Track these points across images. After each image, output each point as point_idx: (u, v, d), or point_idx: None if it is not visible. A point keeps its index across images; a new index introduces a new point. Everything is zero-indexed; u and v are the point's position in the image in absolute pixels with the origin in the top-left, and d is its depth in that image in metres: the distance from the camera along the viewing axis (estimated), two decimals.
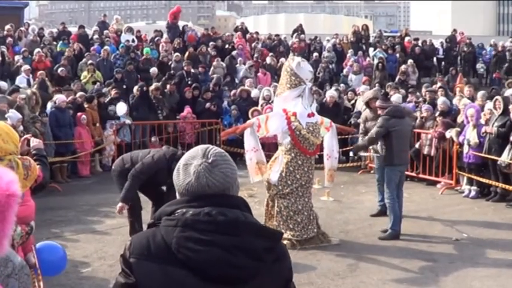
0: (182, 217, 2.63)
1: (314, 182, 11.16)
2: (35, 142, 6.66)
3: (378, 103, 11.47)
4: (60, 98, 16.59)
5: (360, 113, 16.53)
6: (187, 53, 25.17)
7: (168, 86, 20.74)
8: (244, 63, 25.56)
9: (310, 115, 10.51)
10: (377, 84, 21.98)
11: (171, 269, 2.58)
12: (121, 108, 18.26)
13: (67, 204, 13.69)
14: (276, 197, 10.49)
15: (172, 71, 22.98)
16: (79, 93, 17.93)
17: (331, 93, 18.51)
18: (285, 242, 10.17)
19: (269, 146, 18.20)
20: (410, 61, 26.85)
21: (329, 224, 11.62)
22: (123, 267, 2.72)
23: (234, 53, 26.17)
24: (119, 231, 11.20)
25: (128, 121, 18.45)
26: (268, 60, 26.14)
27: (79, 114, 17.01)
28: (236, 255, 2.57)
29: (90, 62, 22.31)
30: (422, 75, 28.28)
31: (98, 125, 17.71)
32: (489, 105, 14.71)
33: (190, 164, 2.74)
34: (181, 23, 30.57)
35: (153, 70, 22.81)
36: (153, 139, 18.95)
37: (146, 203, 10.70)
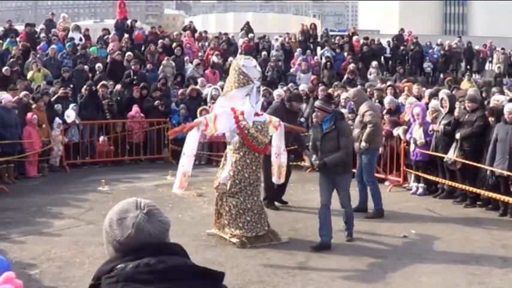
0: (122, 272, 2.57)
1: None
2: None
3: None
4: (6, 97, 16.26)
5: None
6: (131, 52, 24.74)
7: (119, 86, 20.65)
8: (192, 62, 25.44)
9: (258, 114, 10.56)
10: (320, 84, 22.02)
11: None
12: (70, 114, 17.98)
13: (14, 205, 13.47)
14: (225, 196, 10.49)
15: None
16: (23, 93, 17.56)
17: (278, 92, 18.45)
18: (234, 240, 10.22)
19: (218, 146, 18.18)
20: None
21: (278, 223, 11.64)
22: None
23: (176, 50, 25.94)
24: (67, 232, 11.05)
25: (77, 121, 18.22)
26: (214, 59, 26.00)
27: (30, 114, 16.70)
28: None
29: (35, 61, 21.95)
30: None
31: (43, 126, 17.27)
32: (433, 103, 14.88)
33: (125, 218, 2.68)
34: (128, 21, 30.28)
35: (98, 66, 22.60)
36: (101, 139, 18.78)
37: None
